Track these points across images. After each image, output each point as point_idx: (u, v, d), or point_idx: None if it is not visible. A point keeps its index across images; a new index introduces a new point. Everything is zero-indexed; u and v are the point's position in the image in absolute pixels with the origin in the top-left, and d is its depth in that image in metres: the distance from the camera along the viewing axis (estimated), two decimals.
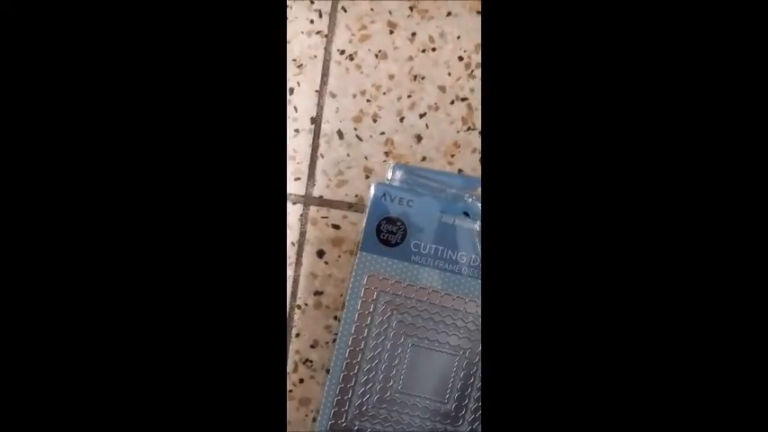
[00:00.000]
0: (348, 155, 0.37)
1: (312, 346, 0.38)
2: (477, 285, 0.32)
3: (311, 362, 0.38)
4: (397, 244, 0.32)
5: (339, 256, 0.37)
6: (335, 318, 0.37)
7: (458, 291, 0.32)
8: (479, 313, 0.32)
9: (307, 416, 0.38)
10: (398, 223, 0.32)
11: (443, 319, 0.32)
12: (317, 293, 0.38)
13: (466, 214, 0.32)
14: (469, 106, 0.37)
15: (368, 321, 0.32)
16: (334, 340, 0.37)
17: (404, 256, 0.32)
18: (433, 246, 0.32)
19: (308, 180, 0.38)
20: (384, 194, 0.32)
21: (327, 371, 0.37)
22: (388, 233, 0.32)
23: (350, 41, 0.37)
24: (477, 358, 0.32)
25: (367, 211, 0.32)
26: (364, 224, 0.32)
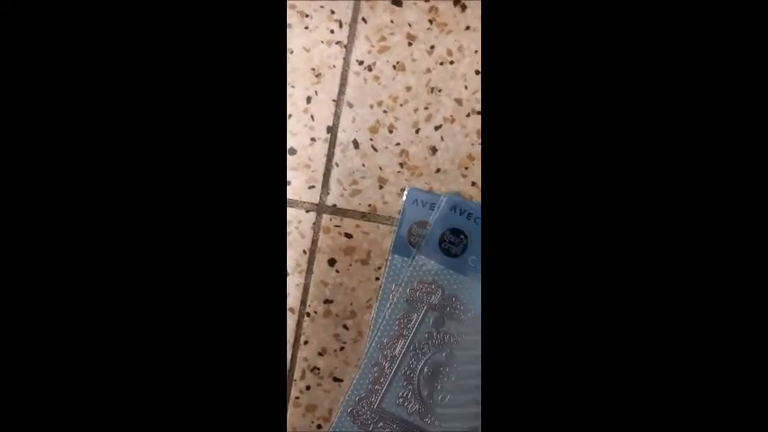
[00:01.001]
0: (363, 165, 0.38)
1: (320, 354, 0.38)
2: None
3: (318, 369, 0.38)
4: (456, 255, 0.33)
5: (350, 265, 0.38)
6: (345, 326, 0.37)
7: None
8: None
9: (312, 422, 0.38)
10: (461, 236, 0.33)
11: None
12: (327, 302, 0.38)
13: None
14: None
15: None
16: (342, 348, 0.37)
17: (460, 268, 0.33)
18: None
19: (322, 188, 0.38)
20: (454, 207, 0.33)
21: (335, 378, 0.37)
22: (450, 244, 0.33)
23: (369, 52, 0.38)
24: None
25: (433, 218, 0.33)
26: (429, 231, 0.33)
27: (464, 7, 0.37)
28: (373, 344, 0.34)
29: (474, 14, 0.37)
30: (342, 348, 0.37)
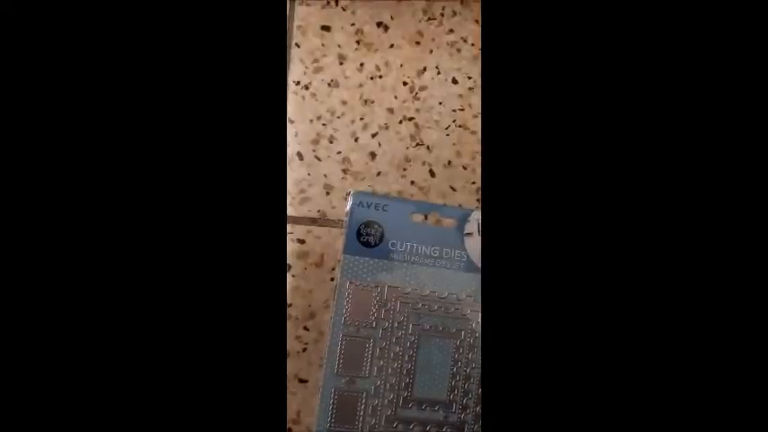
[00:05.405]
0: (309, 174, 0.40)
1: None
2: (445, 275, 0.35)
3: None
4: (376, 245, 0.35)
5: (305, 269, 0.40)
6: (305, 328, 0.39)
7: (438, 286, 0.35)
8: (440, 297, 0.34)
9: None
10: (376, 226, 0.35)
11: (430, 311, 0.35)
12: (287, 306, 0.39)
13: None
14: (416, 125, 0.41)
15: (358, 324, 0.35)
16: (305, 350, 0.39)
17: (383, 254, 0.35)
18: (408, 244, 0.35)
19: None
20: (360, 202, 0.35)
21: (300, 380, 0.38)
22: (368, 235, 0.35)
23: (304, 73, 0.41)
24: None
25: (347, 219, 0.35)
26: (345, 230, 0.35)
27: (386, 28, 0.42)
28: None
29: (396, 34, 0.42)
30: (304, 350, 0.39)
